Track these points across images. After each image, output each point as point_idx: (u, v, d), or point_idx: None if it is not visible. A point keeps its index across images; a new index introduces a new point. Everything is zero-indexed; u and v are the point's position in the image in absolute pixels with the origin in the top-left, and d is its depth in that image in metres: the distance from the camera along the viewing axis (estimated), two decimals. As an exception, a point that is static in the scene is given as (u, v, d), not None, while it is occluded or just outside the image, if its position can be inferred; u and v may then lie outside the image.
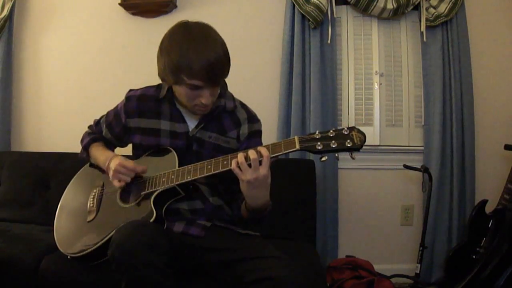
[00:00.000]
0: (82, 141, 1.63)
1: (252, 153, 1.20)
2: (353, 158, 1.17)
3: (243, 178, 1.21)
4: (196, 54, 1.23)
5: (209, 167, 1.27)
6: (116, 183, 1.41)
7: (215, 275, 1.35)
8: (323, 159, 1.19)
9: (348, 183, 2.47)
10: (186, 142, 1.43)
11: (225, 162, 1.25)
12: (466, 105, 2.35)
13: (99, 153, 1.54)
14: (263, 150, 1.20)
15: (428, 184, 2.19)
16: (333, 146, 1.15)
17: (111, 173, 1.41)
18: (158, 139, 1.46)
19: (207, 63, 1.24)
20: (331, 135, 1.16)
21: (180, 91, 1.32)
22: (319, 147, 1.16)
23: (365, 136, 1.15)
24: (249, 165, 1.20)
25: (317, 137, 1.17)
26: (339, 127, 1.18)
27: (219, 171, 1.26)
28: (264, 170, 1.20)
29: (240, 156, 1.21)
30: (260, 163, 1.20)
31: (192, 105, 1.34)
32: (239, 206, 1.42)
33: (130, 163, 1.41)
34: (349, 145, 1.14)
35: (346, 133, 1.15)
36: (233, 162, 1.22)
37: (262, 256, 1.25)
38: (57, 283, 1.49)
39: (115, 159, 1.42)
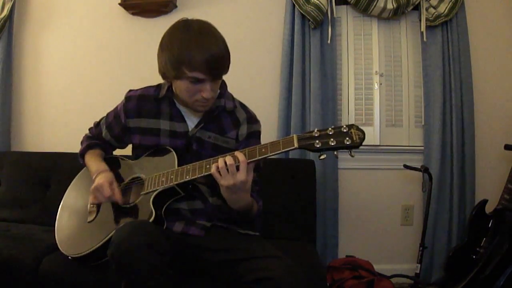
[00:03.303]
0: (81, 144, 1.64)
1: (229, 159, 1.20)
2: (352, 156, 1.17)
3: (222, 183, 1.21)
4: (198, 47, 1.24)
5: (208, 166, 1.27)
6: (91, 200, 1.44)
7: (215, 275, 1.35)
8: (322, 157, 1.18)
9: (348, 183, 2.47)
10: (185, 141, 1.43)
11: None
12: (466, 105, 2.35)
13: (91, 163, 1.54)
14: (240, 156, 1.20)
15: (428, 184, 2.19)
16: (332, 144, 1.14)
17: (92, 187, 1.42)
18: (158, 139, 1.46)
19: (209, 55, 1.24)
20: (330, 133, 1.16)
21: (181, 86, 1.32)
22: (318, 145, 1.15)
23: (364, 134, 1.15)
24: (227, 170, 1.20)
25: (316, 135, 1.16)
26: (338, 125, 1.17)
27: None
28: (241, 175, 1.19)
29: (221, 161, 1.21)
30: (238, 168, 1.20)
31: (193, 101, 1.34)
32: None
33: (107, 191, 1.40)
34: (348, 142, 1.13)
35: (345, 130, 1.15)
36: (213, 166, 1.21)
37: (262, 256, 1.24)
38: (57, 283, 1.50)
39: (100, 177, 1.43)
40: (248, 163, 1.21)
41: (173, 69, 1.29)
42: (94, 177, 1.45)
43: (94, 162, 1.53)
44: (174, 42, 1.28)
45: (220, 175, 1.21)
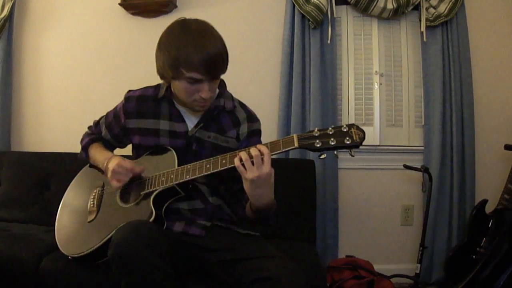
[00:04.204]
0: (81, 141, 1.64)
1: (254, 150, 1.19)
2: (352, 156, 1.17)
3: (247, 176, 1.19)
4: (195, 48, 1.24)
5: (208, 166, 1.27)
6: (115, 184, 1.41)
7: (215, 275, 1.35)
8: (322, 156, 1.18)
9: (348, 183, 2.47)
10: (185, 141, 1.43)
11: (223, 161, 1.25)
12: (466, 105, 2.35)
13: (97, 153, 1.54)
14: (263, 148, 1.20)
15: (428, 184, 2.19)
16: (332, 143, 1.14)
17: (109, 174, 1.41)
18: (158, 139, 1.45)
19: (206, 56, 1.24)
20: (330, 132, 1.16)
21: (179, 86, 1.32)
22: (318, 144, 1.15)
23: (364, 133, 1.15)
24: (252, 163, 1.19)
25: (316, 134, 1.16)
26: (338, 125, 1.17)
27: (218, 170, 1.25)
28: (266, 168, 1.19)
29: (244, 153, 1.20)
30: (262, 160, 1.19)
31: (191, 101, 1.34)
32: (243, 206, 1.41)
33: (128, 164, 1.41)
34: (348, 142, 1.13)
35: (345, 130, 1.15)
36: (236, 160, 1.20)
37: (262, 256, 1.24)
38: (57, 283, 1.50)
39: (113, 160, 1.42)
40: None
41: (170, 69, 1.29)
42: (105, 164, 1.45)
43: (100, 152, 1.54)
44: (171, 43, 1.28)
45: (245, 168, 1.19)
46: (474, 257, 2.00)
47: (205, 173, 1.27)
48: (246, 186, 1.23)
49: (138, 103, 1.48)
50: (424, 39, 2.37)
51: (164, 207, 1.37)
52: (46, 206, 2.13)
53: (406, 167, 2.25)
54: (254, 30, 2.49)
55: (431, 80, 2.39)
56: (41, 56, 2.63)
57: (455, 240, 2.34)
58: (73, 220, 1.55)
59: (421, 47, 2.42)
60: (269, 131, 2.34)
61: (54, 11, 2.61)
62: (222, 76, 1.37)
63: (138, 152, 1.52)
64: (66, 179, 1.72)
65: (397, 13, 2.36)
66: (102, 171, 1.50)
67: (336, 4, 2.40)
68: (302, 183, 2.07)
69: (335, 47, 2.43)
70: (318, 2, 2.29)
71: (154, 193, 1.35)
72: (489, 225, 2.01)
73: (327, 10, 2.33)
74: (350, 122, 2.45)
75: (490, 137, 2.41)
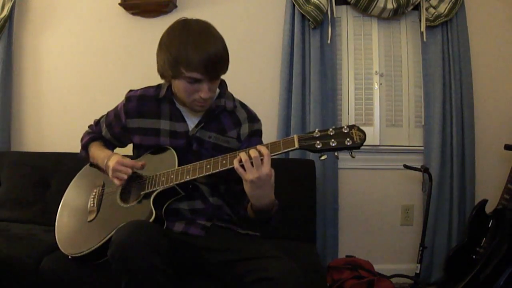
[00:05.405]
0: (81, 140, 1.64)
1: (253, 152, 1.19)
2: (353, 157, 1.17)
3: (246, 177, 1.19)
4: (196, 48, 1.24)
5: (208, 166, 1.27)
6: (116, 182, 1.41)
7: (215, 275, 1.35)
8: (323, 158, 1.18)
9: (348, 183, 2.47)
10: (186, 141, 1.43)
11: (224, 162, 1.25)
12: (466, 105, 2.35)
13: (98, 152, 1.55)
14: (262, 149, 1.20)
15: (428, 184, 2.19)
16: (333, 144, 1.14)
17: (110, 172, 1.42)
18: (158, 139, 1.46)
19: (206, 56, 1.24)
20: (331, 133, 1.16)
21: (179, 85, 1.32)
22: (319, 145, 1.15)
23: (365, 134, 1.15)
24: (252, 164, 1.19)
25: (317, 135, 1.16)
26: (339, 126, 1.17)
27: (218, 170, 1.25)
28: (266, 168, 1.19)
29: (243, 154, 1.20)
30: (261, 161, 1.19)
31: (191, 101, 1.34)
32: (245, 207, 1.41)
33: (128, 161, 1.41)
34: (348, 143, 1.13)
35: (345, 131, 1.15)
36: (236, 161, 1.20)
37: (262, 256, 1.24)
38: (57, 283, 1.49)
39: (114, 158, 1.43)
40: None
41: (170, 68, 1.29)
42: (105, 162, 1.45)
43: (100, 151, 1.54)
44: (172, 42, 1.29)
45: (244, 169, 1.19)
46: (474, 257, 2.00)
47: (205, 174, 1.27)
48: (246, 187, 1.23)
49: (139, 103, 1.49)
50: (424, 39, 2.37)
51: (164, 207, 1.37)
52: (46, 206, 2.12)
53: (406, 167, 2.25)
54: (254, 30, 2.49)
55: (431, 80, 2.39)
56: (41, 56, 2.63)
57: (455, 240, 2.34)
58: (73, 219, 1.55)
59: (421, 47, 2.42)
60: (269, 131, 2.34)
61: (54, 11, 2.61)
62: (222, 76, 1.37)
63: (138, 152, 1.52)
64: (66, 179, 1.72)
65: (397, 13, 2.36)
66: (103, 170, 1.51)
67: (336, 4, 2.39)
68: (302, 183, 2.07)
69: (335, 47, 2.43)
70: (318, 2, 2.29)
71: (154, 193, 1.35)
72: (489, 225, 2.01)
73: (327, 10, 2.33)
74: (350, 122, 2.48)
75: (490, 137, 2.41)
